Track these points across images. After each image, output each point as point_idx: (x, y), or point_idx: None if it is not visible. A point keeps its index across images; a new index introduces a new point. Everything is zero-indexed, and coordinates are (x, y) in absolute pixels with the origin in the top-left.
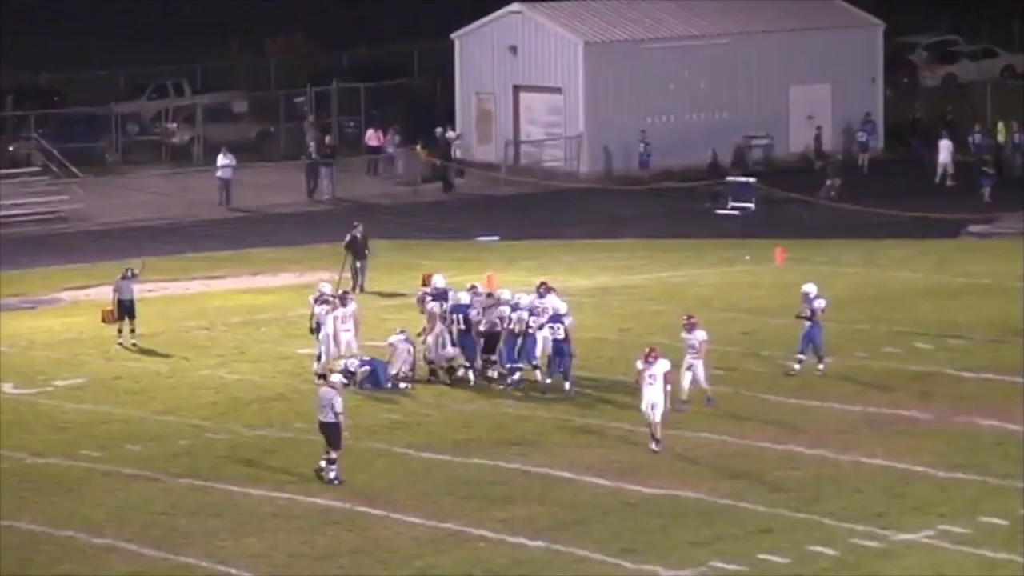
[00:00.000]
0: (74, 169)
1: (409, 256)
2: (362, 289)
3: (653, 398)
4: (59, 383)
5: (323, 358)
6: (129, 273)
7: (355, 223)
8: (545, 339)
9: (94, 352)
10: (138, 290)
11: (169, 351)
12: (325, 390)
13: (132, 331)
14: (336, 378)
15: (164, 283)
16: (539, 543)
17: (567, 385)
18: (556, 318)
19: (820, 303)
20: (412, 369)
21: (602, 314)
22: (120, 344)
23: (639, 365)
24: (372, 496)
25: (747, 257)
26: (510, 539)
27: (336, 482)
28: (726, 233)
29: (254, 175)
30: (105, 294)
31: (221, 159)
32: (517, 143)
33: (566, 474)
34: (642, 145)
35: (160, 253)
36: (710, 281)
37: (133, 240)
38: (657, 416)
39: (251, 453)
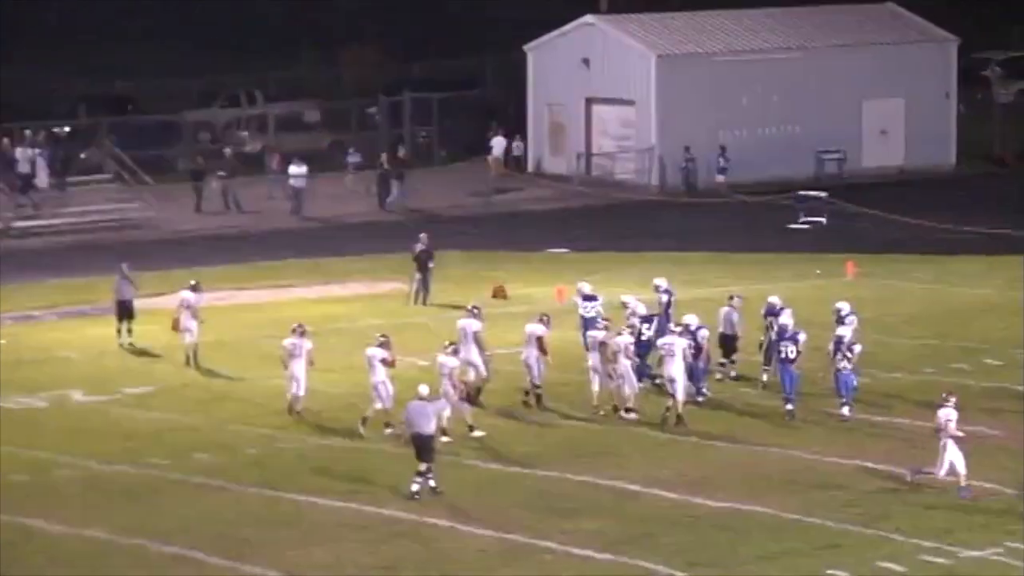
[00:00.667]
0: (146, 177)
1: (479, 267)
2: (425, 303)
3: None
4: (128, 391)
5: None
6: (126, 272)
7: (421, 235)
8: None
9: (164, 360)
10: (206, 298)
11: (239, 360)
12: (424, 403)
13: (129, 331)
14: (424, 390)
15: (233, 291)
16: (606, 556)
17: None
18: (793, 337)
19: (852, 320)
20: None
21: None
22: (120, 345)
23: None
24: (439, 508)
25: (818, 271)
26: (577, 551)
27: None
28: (798, 247)
29: (326, 185)
30: (175, 302)
31: (293, 168)
32: (589, 155)
33: (634, 487)
34: (720, 158)
35: (230, 262)
36: (781, 295)
37: (204, 248)
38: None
39: (320, 463)
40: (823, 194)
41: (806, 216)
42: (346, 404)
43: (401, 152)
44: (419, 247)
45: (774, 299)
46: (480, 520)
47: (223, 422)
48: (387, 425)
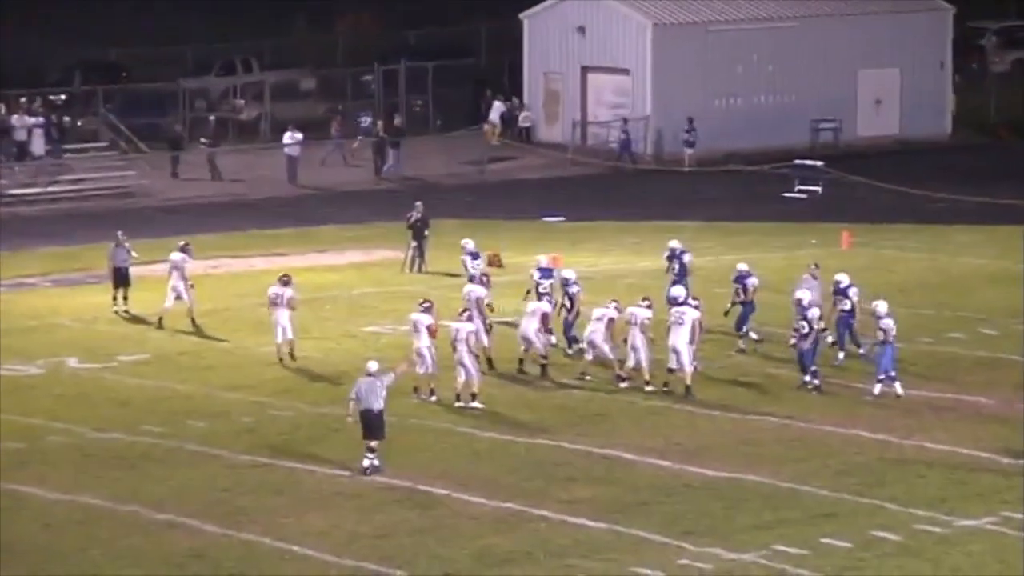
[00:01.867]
0: (141, 145)
1: (474, 236)
2: (420, 270)
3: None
4: (123, 358)
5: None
6: (122, 240)
7: (416, 203)
8: None
9: (162, 328)
10: (200, 266)
11: (233, 328)
12: (372, 379)
13: (124, 299)
14: (374, 366)
15: (228, 260)
16: (601, 524)
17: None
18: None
19: (854, 292)
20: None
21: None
22: (115, 312)
23: None
24: (434, 475)
25: (813, 241)
26: (572, 520)
27: (377, 471)
28: (793, 217)
29: (320, 153)
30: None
31: (288, 137)
32: (584, 124)
33: (629, 456)
34: (687, 132)
35: (225, 230)
36: (775, 265)
37: (198, 216)
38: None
39: (314, 431)
40: (819, 163)
41: (802, 185)
42: (339, 372)
43: (397, 120)
44: (414, 215)
45: (743, 266)
46: (476, 488)
47: (217, 390)
48: (416, 390)
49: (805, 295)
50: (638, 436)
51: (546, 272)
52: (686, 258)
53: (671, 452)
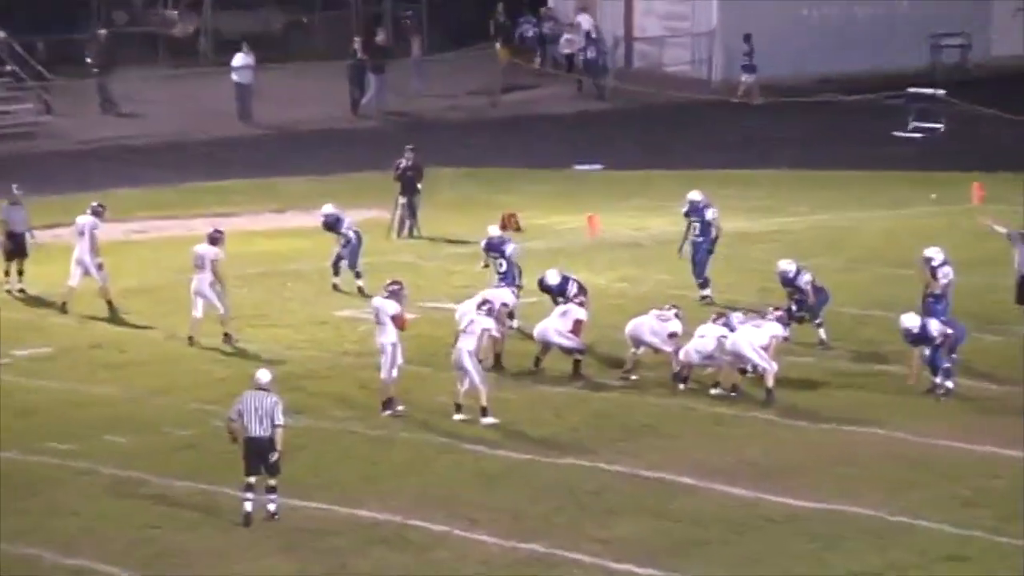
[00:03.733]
0: (43, 71)
1: (483, 190)
2: (412, 234)
3: None
4: (19, 353)
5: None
6: (19, 196)
7: (407, 147)
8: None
9: (66, 313)
10: (120, 230)
11: (166, 312)
12: (263, 394)
13: (20, 273)
14: (265, 376)
15: (159, 221)
16: (650, 571)
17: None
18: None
19: (947, 273)
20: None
21: (738, 269)
22: (8, 291)
23: None
24: (431, 506)
25: (933, 195)
26: (613, 565)
27: (276, 518)
28: (905, 163)
29: (280, 80)
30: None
31: (238, 58)
32: (629, 41)
33: (687, 479)
34: (745, 54)
35: (155, 182)
36: (882, 227)
37: (120, 164)
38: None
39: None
40: (940, 92)
41: (917, 121)
42: (307, 372)
43: (380, 37)
44: (403, 163)
45: (787, 264)
46: (486, 523)
47: (143, 394)
48: (386, 405)
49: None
50: (700, 453)
51: (496, 244)
52: (709, 213)
53: (744, 475)
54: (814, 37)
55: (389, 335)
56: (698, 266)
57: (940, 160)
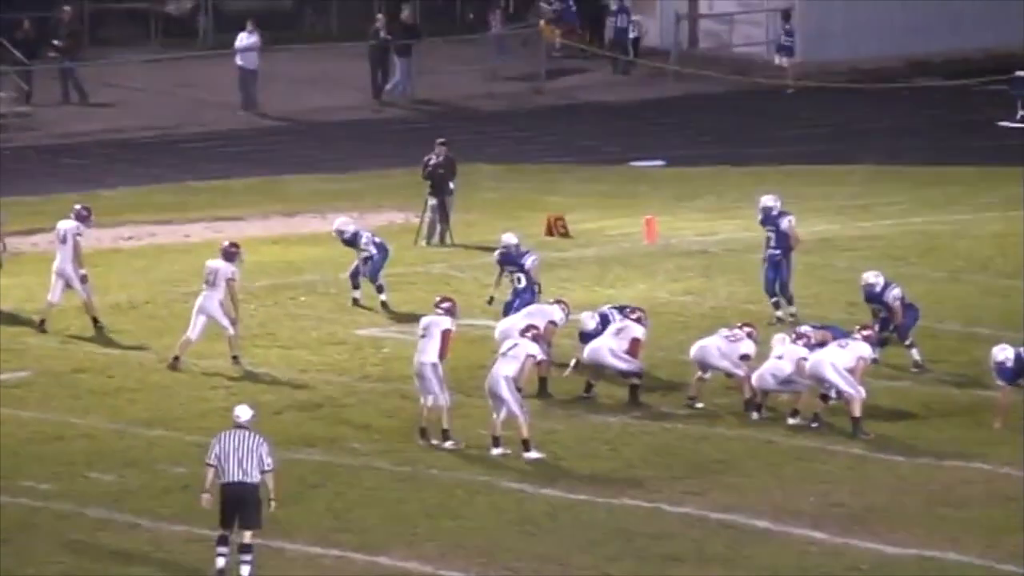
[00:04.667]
0: (18, 54)
1: (526, 189)
2: (444, 240)
3: None
4: None
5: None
6: None
7: (438, 140)
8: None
9: (45, 332)
10: (107, 237)
11: (159, 331)
12: (244, 434)
13: None
14: (245, 413)
15: (152, 226)
16: None
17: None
18: None
19: None
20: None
21: (823, 280)
22: None
23: None
24: (466, 555)
25: None
26: None
27: None
28: (1014, 157)
29: (291, 64)
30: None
31: (242, 39)
32: (694, 18)
33: (762, 524)
34: (784, 34)
35: (148, 181)
36: (989, 230)
37: (105, 160)
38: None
39: (282, 488)
40: None
41: None
42: (323, 398)
43: (405, 14)
44: (433, 159)
45: (873, 276)
46: (531, 573)
47: (133, 425)
48: (425, 433)
49: None
50: (778, 493)
51: (514, 256)
52: (784, 222)
53: (829, 518)
54: (908, 13)
55: (429, 355)
56: (769, 283)
57: None
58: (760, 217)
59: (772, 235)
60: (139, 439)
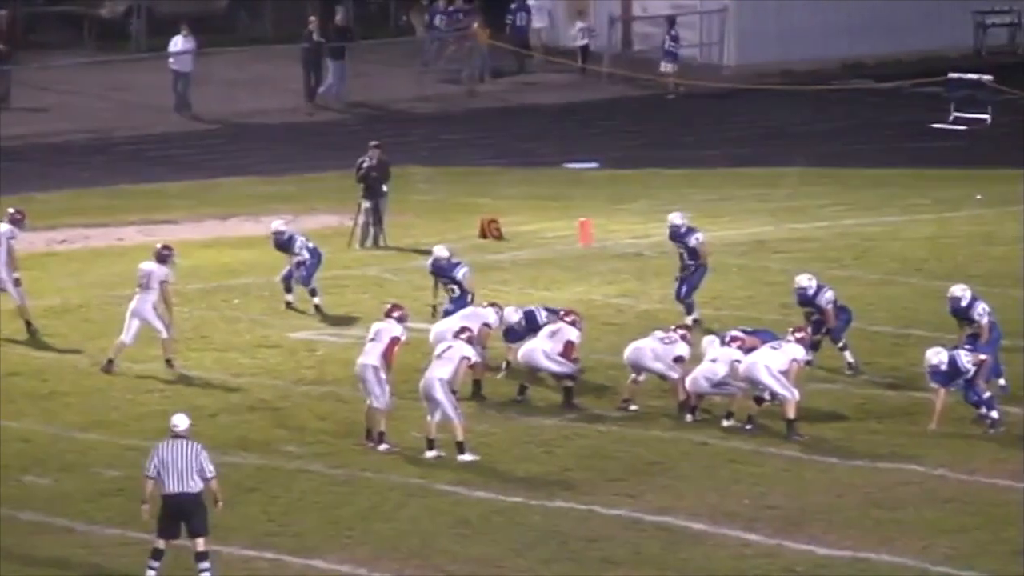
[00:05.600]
0: None
1: (459, 192)
2: (377, 243)
3: None
4: None
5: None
6: None
7: (371, 143)
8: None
9: None
10: (39, 240)
11: (94, 334)
12: (182, 443)
13: None
14: (183, 423)
15: (85, 229)
16: None
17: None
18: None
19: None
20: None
21: (756, 282)
22: None
23: None
24: (400, 558)
25: (979, 196)
26: None
27: None
28: (947, 160)
29: (224, 67)
30: None
31: (176, 43)
32: (627, 21)
33: (697, 526)
34: (667, 38)
35: (81, 184)
36: (922, 232)
37: (39, 164)
38: None
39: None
40: (987, 77)
41: (960, 111)
42: (257, 402)
43: (339, 16)
44: (367, 161)
45: (805, 279)
46: None
47: (68, 429)
48: (370, 435)
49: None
50: (713, 496)
51: (445, 267)
52: (692, 240)
53: (764, 520)
54: (841, 15)
55: (371, 358)
56: (678, 292)
57: (986, 155)
58: (668, 234)
59: (683, 252)
60: (74, 443)
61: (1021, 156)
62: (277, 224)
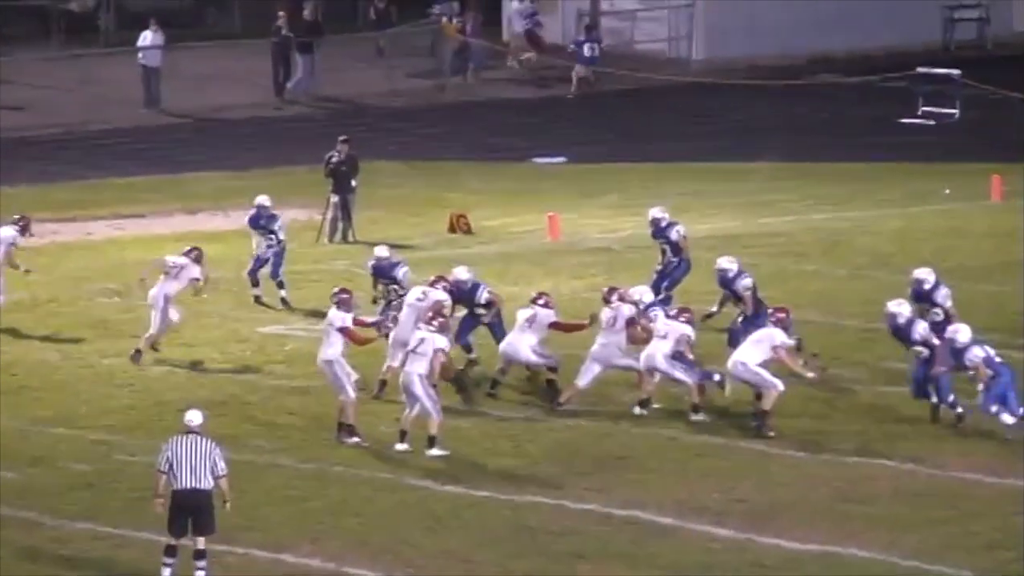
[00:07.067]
0: None
1: (428, 186)
2: (346, 238)
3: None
4: None
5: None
6: None
7: (340, 138)
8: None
9: None
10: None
11: (62, 328)
12: (196, 439)
13: None
14: (197, 418)
15: (54, 224)
16: None
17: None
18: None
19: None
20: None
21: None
22: None
23: None
24: (370, 552)
25: (947, 191)
26: None
27: None
28: (914, 154)
29: (193, 61)
30: None
31: (145, 37)
32: (595, 15)
33: (666, 520)
34: (585, 41)
35: (50, 179)
36: (889, 227)
37: (7, 158)
38: None
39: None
40: (955, 72)
41: (928, 106)
42: (227, 396)
43: (307, 10)
44: (335, 156)
45: (727, 262)
46: (432, 570)
47: (36, 423)
48: (342, 429)
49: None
50: (682, 490)
51: (385, 267)
52: (674, 234)
53: (733, 514)
54: (809, 10)
55: (334, 350)
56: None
57: (954, 150)
58: (651, 230)
59: (666, 247)
60: (43, 437)
61: (989, 150)
62: (262, 199)
